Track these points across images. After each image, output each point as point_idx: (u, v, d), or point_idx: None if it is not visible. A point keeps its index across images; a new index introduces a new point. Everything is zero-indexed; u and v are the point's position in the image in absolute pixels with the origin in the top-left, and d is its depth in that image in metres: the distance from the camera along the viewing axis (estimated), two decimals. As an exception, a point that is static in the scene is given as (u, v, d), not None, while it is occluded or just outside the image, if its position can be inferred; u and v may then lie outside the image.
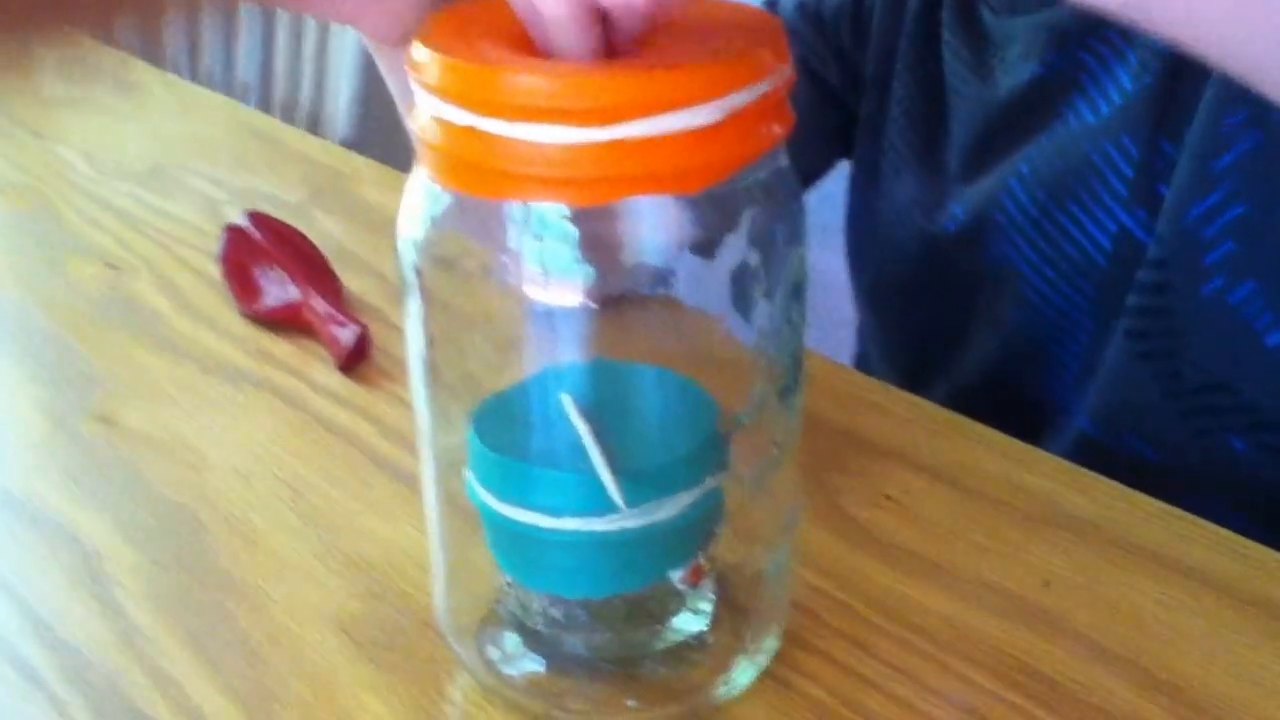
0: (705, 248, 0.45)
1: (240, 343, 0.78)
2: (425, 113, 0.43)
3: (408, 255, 0.46)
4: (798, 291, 0.46)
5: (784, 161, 0.45)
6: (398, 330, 0.77)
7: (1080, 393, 0.73)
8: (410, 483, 0.63)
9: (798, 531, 0.53)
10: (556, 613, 0.50)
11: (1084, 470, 0.63)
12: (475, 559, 0.51)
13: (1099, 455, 0.67)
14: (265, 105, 1.57)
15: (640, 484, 0.45)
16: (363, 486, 0.64)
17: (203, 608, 0.56)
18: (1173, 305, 0.65)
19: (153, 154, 1.07)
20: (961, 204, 0.76)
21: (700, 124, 0.40)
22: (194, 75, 1.59)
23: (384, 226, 0.93)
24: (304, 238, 0.84)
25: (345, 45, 1.45)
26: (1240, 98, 0.60)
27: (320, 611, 0.56)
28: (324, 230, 0.89)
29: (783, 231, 0.45)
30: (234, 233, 0.84)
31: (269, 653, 0.53)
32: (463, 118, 0.41)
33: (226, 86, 1.57)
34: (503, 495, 0.47)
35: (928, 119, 0.80)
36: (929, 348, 0.83)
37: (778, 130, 0.43)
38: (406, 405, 0.69)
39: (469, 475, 0.49)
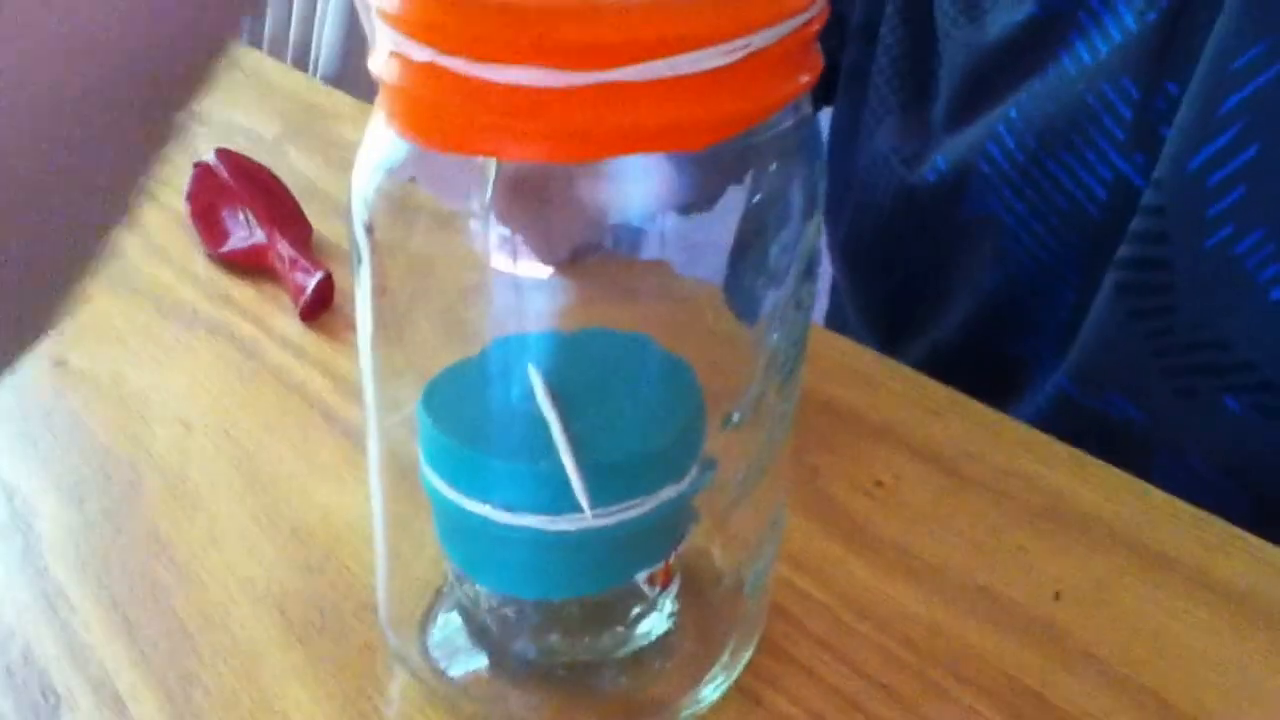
0: (704, 214, 0.37)
1: (202, 285, 0.71)
2: (383, 48, 0.35)
3: (359, 212, 0.38)
4: (810, 268, 0.39)
5: (808, 110, 0.36)
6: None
7: (1062, 349, 0.66)
8: (361, 446, 0.56)
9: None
10: (508, 611, 0.43)
11: (1097, 461, 0.55)
12: (423, 543, 0.44)
13: (1080, 414, 0.60)
14: (255, 40, 1.48)
15: (611, 480, 0.38)
16: (312, 447, 0.57)
17: (131, 573, 0.49)
18: (1169, 257, 0.58)
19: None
20: (944, 153, 0.69)
21: (711, 67, 0.31)
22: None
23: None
24: (274, 178, 0.76)
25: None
26: (1260, 28, 0.53)
27: (254, 585, 0.48)
28: (296, 168, 0.81)
29: (800, 196, 0.37)
30: (202, 171, 0.76)
31: (196, 629, 0.46)
32: (423, 53, 0.33)
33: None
34: (454, 482, 0.40)
35: (916, 67, 0.72)
36: (906, 304, 0.76)
37: (804, 78, 0.34)
38: (366, 361, 0.62)
39: (420, 457, 0.41)
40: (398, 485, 0.43)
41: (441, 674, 0.44)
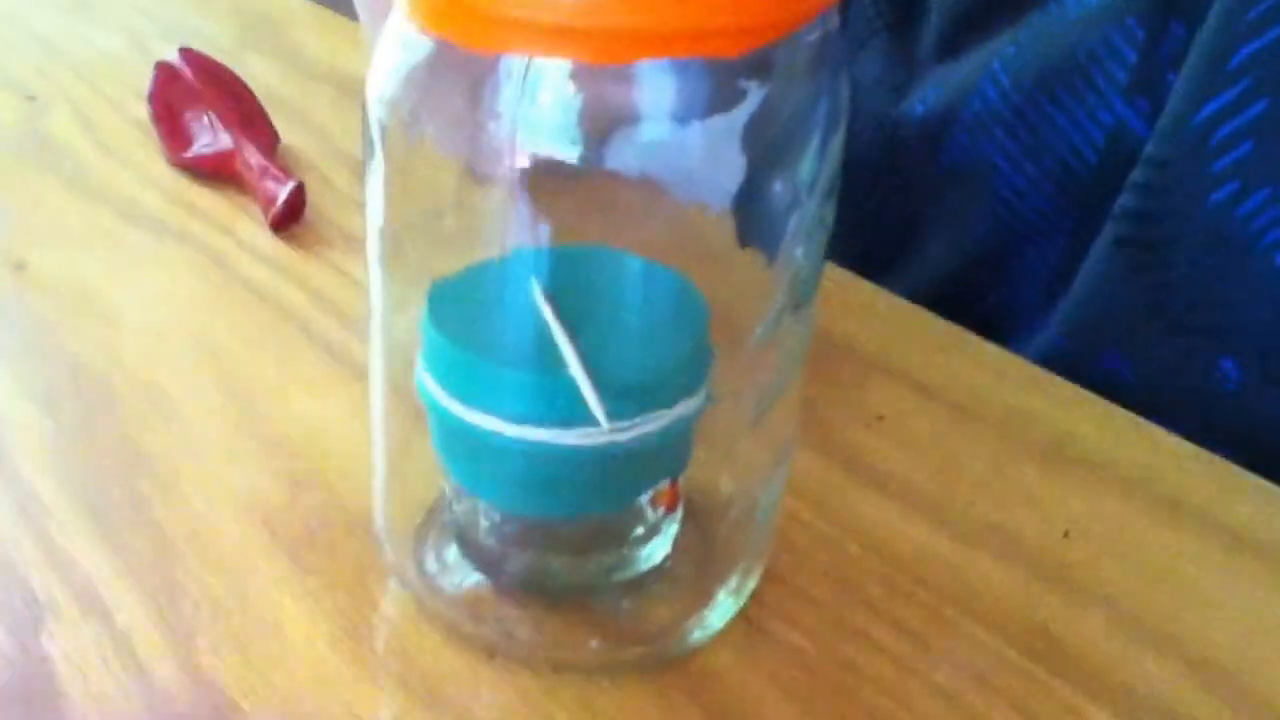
0: (729, 125, 0.36)
1: (164, 192, 0.69)
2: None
3: (375, 112, 0.37)
4: (834, 184, 0.38)
5: (836, 22, 0.36)
6: (335, 190, 0.69)
7: (1050, 300, 0.65)
8: (343, 360, 0.55)
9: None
10: (507, 529, 0.42)
11: (1103, 402, 0.55)
12: (420, 456, 0.43)
13: (1069, 372, 0.60)
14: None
15: (621, 396, 0.38)
16: (291, 360, 0.56)
17: (109, 483, 0.48)
18: (1170, 210, 0.57)
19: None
20: (934, 86, 0.68)
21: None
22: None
23: (324, 76, 0.85)
24: (240, 81, 0.74)
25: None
26: None
27: (238, 498, 0.47)
28: (257, 76, 0.79)
29: (827, 109, 0.36)
30: (164, 71, 0.74)
31: (179, 540, 0.45)
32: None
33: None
34: (456, 392, 0.39)
35: None
36: (881, 245, 0.74)
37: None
38: (343, 274, 0.61)
39: (419, 365, 0.41)
40: (397, 399, 0.42)
41: (438, 590, 0.43)
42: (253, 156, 0.68)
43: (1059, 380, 0.57)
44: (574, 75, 0.35)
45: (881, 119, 0.71)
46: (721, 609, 0.42)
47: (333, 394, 0.53)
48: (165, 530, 0.46)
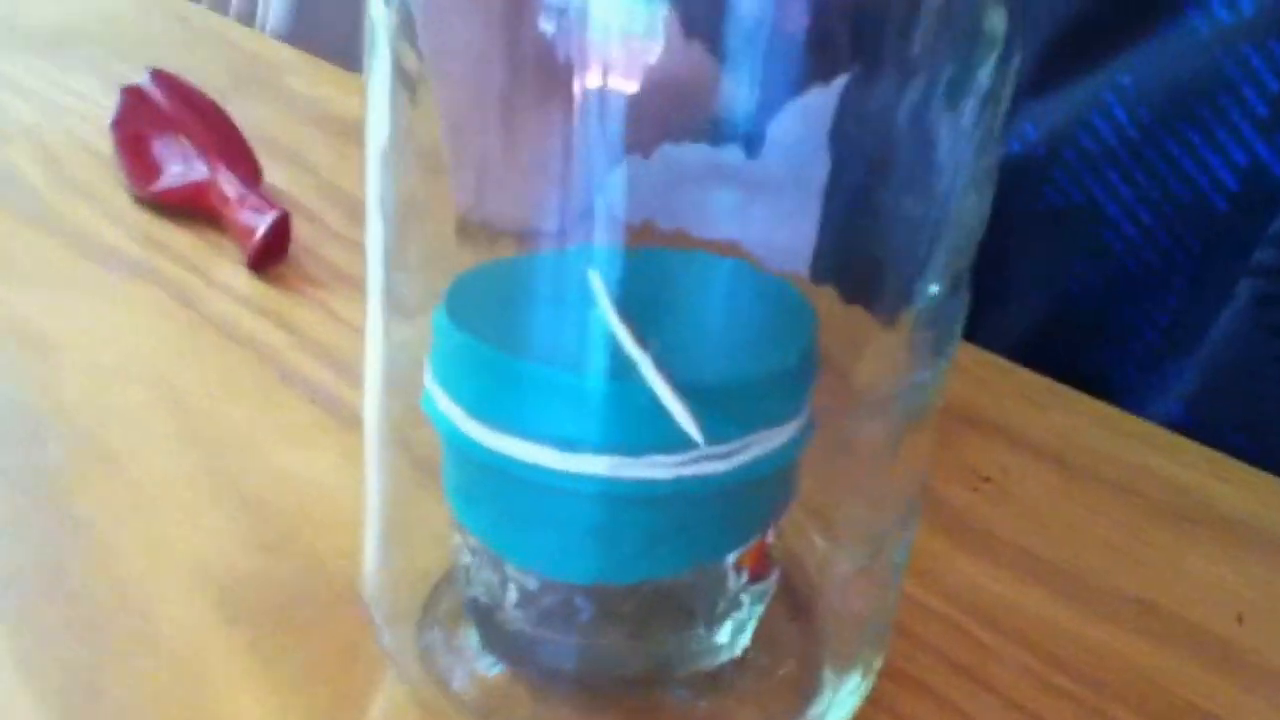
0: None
1: (126, 227, 0.59)
2: None
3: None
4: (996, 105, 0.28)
5: None
6: (324, 227, 0.59)
7: (1155, 367, 0.57)
8: (330, 408, 0.45)
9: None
10: (549, 601, 0.32)
11: (1236, 463, 0.46)
12: (426, 515, 0.33)
13: None
14: None
15: (711, 408, 0.28)
16: (268, 407, 0.46)
17: (32, 545, 0.37)
18: None
19: (55, 23, 0.88)
20: (1033, 120, 0.59)
21: None
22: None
23: (316, 120, 0.76)
24: (218, 108, 0.65)
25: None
26: None
27: (193, 565, 0.37)
28: (246, 118, 0.70)
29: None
30: (132, 95, 0.65)
31: (106, 619, 0.35)
32: None
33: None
34: (481, 412, 0.29)
35: None
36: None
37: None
38: (332, 315, 0.51)
39: (429, 379, 0.31)
40: (402, 433, 0.32)
41: (449, 685, 0.32)
42: (230, 186, 0.59)
43: (1179, 437, 0.48)
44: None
45: None
46: (829, 712, 0.32)
47: (317, 445, 0.43)
48: (89, 607, 0.35)
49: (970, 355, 0.53)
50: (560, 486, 0.28)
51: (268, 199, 0.58)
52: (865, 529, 0.32)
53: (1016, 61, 0.27)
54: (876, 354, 0.30)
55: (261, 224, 0.56)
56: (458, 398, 0.29)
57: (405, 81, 0.28)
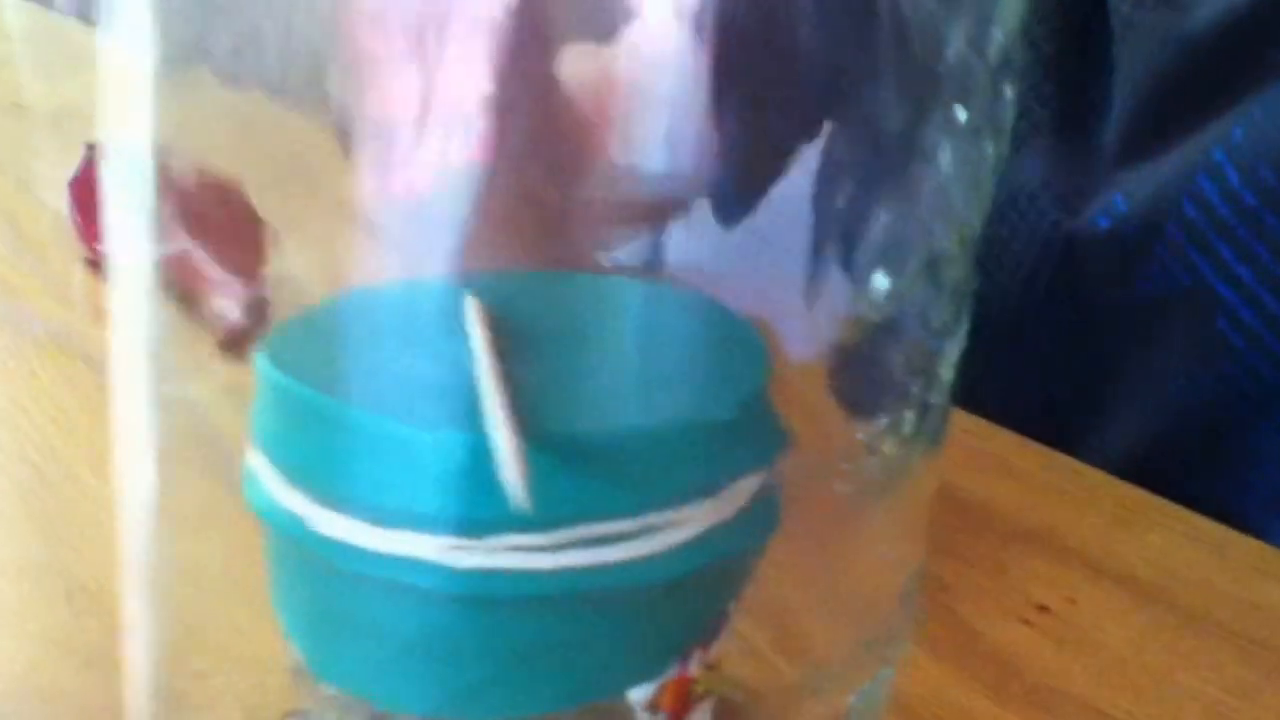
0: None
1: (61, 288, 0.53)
2: None
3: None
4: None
5: None
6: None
7: None
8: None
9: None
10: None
11: None
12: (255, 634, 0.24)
13: None
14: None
15: (584, 472, 0.19)
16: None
17: None
18: None
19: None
20: (1125, 190, 0.52)
21: None
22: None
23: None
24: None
25: None
26: None
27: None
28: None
29: None
30: (95, 154, 0.59)
31: None
32: None
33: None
34: (301, 479, 0.21)
35: (1079, 72, 0.55)
36: (1046, 408, 0.57)
37: None
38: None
39: (251, 449, 0.22)
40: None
41: None
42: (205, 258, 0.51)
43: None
44: None
45: (1053, 235, 0.55)
46: None
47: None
48: None
49: (1035, 455, 0.46)
50: (381, 576, 0.20)
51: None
52: (817, 650, 0.23)
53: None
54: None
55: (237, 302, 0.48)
56: (285, 470, 0.21)
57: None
